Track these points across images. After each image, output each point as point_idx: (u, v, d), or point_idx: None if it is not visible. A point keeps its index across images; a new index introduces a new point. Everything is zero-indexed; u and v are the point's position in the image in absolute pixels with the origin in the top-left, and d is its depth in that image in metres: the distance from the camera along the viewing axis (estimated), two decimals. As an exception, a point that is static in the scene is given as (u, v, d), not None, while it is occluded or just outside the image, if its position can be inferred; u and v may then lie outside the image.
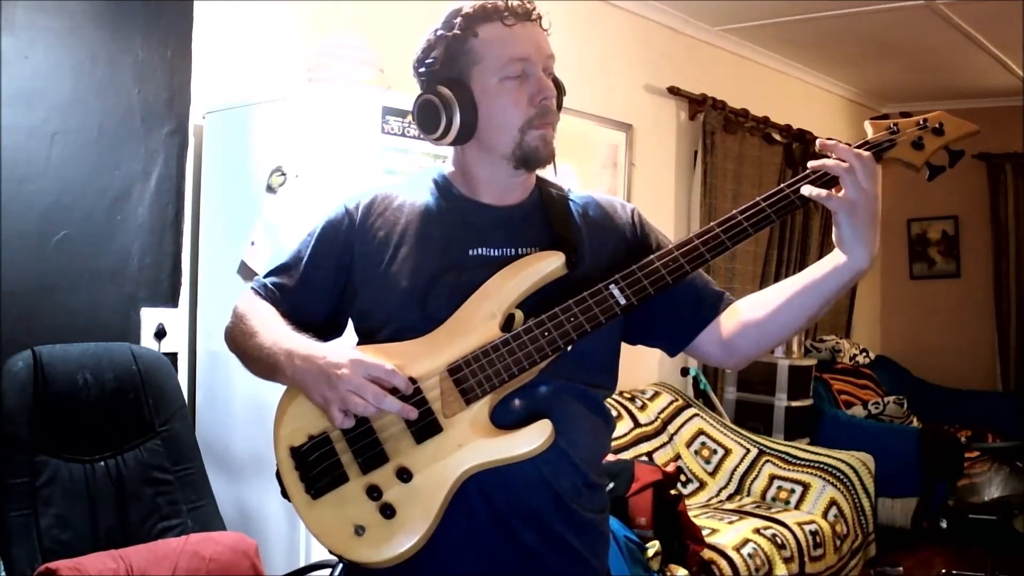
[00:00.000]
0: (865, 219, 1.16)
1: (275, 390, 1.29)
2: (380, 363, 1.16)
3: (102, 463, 2.14)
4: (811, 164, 1.20)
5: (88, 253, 2.40)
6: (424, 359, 1.21)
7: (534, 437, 1.17)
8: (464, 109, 1.26)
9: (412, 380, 1.19)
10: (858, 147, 1.21)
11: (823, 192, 1.17)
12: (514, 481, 1.20)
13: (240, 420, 2.43)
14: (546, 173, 1.36)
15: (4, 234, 2.23)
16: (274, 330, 1.27)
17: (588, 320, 1.20)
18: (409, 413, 1.17)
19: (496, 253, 1.28)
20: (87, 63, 2.40)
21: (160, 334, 2.53)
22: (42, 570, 1.86)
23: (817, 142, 1.22)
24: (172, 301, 2.59)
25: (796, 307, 1.26)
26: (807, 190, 1.18)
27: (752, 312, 1.31)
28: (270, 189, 2.36)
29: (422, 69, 1.31)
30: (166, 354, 2.44)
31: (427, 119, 1.29)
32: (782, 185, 1.22)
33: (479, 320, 1.22)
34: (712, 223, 1.24)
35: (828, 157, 1.18)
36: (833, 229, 1.20)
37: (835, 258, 1.21)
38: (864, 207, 1.15)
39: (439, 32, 1.29)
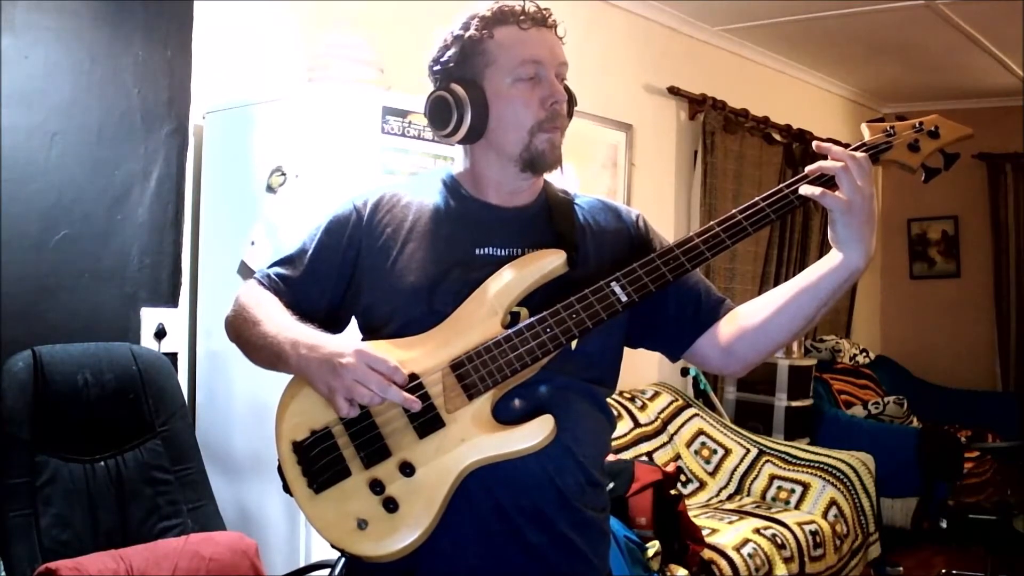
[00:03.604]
0: (861, 218, 1.18)
1: (275, 390, 1.29)
2: (383, 357, 1.17)
3: (102, 463, 2.14)
4: (808, 168, 1.22)
5: (88, 253, 2.40)
6: (427, 354, 1.22)
7: (536, 432, 1.18)
8: (476, 108, 1.27)
9: (414, 376, 1.20)
10: (855, 149, 1.23)
11: (818, 190, 1.19)
12: (517, 478, 1.21)
13: (240, 420, 2.43)
14: (553, 176, 1.37)
15: (4, 234, 2.23)
16: (278, 319, 1.27)
17: (590, 316, 1.21)
18: (412, 404, 1.17)
19: (502, 252, 1.29)
20: (87, 63, 2.39)
21: (160, 334, 2.53)
22: (42, 570, 1.86)
23: (813, 144, 1.23)
24: (172, 301, 2.59)
25: (793, 309, 1.26)
26: (805, 189, 1.20)
27: (750, 317, 1.32)
28: (270, 189, 2.36)
29: (436, 67, 1.33)
30: (166, 354, 2.44)
31: (438, 116, 1.30)
32: (781, 185, 1.24)
33: (481, 317, 1.23)
34: (712, 222, 1.25)
35: (825, 159, 1.20)
36: (829, 229, 1.21)
37: (831, 259, 1.23)
38: (860, 206, 1.17)
39: (455, 33, 1.30)
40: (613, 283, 1.22)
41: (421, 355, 1.21)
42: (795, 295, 1.26)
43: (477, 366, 1.20)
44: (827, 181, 1.20)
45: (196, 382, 2.60)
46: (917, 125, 1.26)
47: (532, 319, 1.22)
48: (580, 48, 3.88)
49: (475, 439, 1.18)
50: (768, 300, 1.30)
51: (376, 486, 1.19)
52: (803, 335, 4.91)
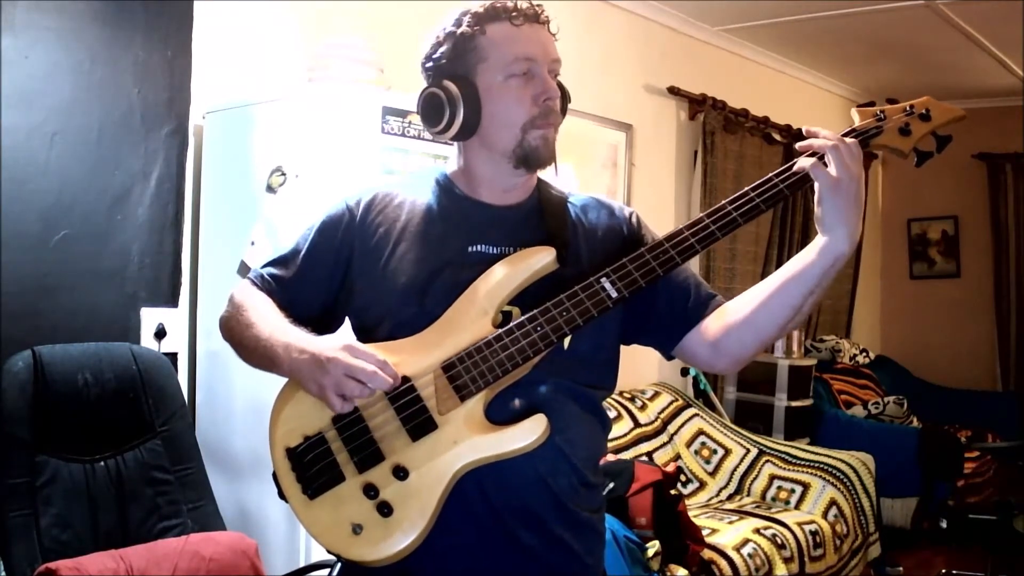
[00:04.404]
0: (848, 198, 1.18)
1: (275, 390, 1.29)
2: (372, 352, 1.17)
3: (102, 463, 2.14)
4: (799, 144, 1.22)
5: (88, 253, 2.40)
6: (417, 356, 1.21)
7: (529, 432, 1.18)
8: (468, 105, 1.26)
9: (406, 378, 1.20)
10: (845, 134, 1.23)
11: (810, 161, 1.19)
12: (511, 480, 1.21)
13: (240, 420, 2.43)
14: (548, 175, 1.37)
15: (4, 234, 2.23)
16: (271, 322, 1.27)
17: (580, 314, 1.21)
18: (397, 379, 1.17)
19: (495, 251, 1.28)
20: (87, 63, 2.40)
21: (160, 334, 2.53)
22: (42, 570, 1.86)
23: (803, 129, 1.23)
24: (172, 301, 2.59)
25: (780, 300, 1.25)
26: (801, 161, 1.20)
27: (737, 312, 1.31)
28: (270, 189, 2.36)
29: (429, 64, 1.32)
30: (166, 354, 2.45)
31: (431, 112, 1.30)
32: (771, 175, 1.23)
33: (472, 317, 1.22)
34: (701, 214, 1.24)
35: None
36: (816, 209, 1.20)
37: (815, 245, 1.22)
38: (847, 185, 1.17)
39: (448, 29, 1.30)
40: (603, 279, 1.22)
41: (412, 357, 1.21)
42: (781, 286, 1.25)
43: (468, 367, 1.20)
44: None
45: (196, 382, 2.60)
46: (908, 108, 1.25)
47: (523, 318, 1.21)
48: (580, 48, 3.90)
49: (468, 441, 1.18)
50: (754, 294, 1.29)
51: (370, 490, 1.18)
52: (793, 329, 4.90)
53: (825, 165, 1.18)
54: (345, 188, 1.53)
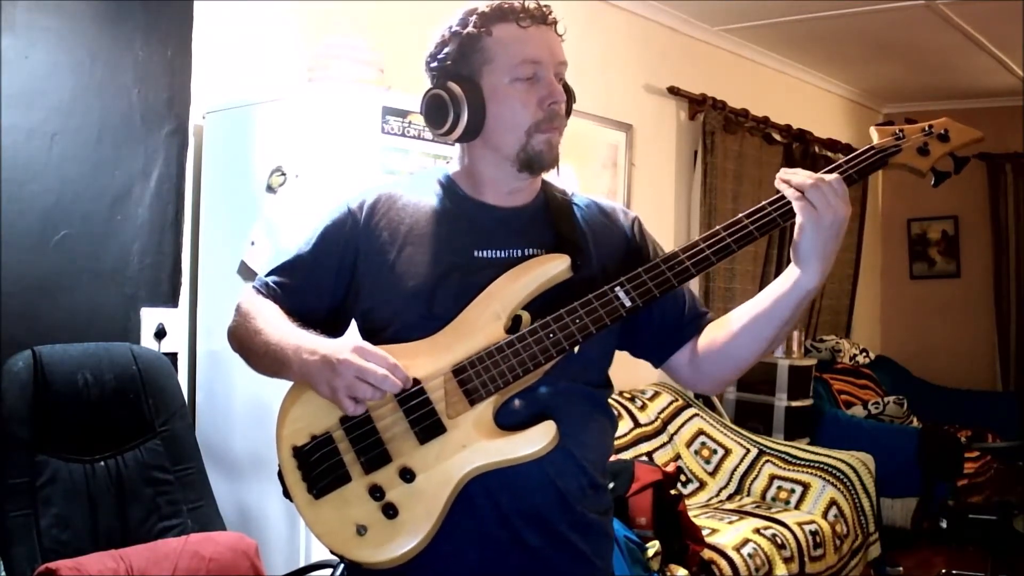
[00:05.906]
0: (829, 232, 1.18)
1: (275, 390, 1.28)
2: (383, 354, 1.16)
3: (102, 463, 2.14)
4: (776, 181, 1.22)
5: (88, 253, 2.39)
6: (428, 359, 1.21)
7: (538, 439, 1.18)
8: (473, 106, 1.25)
9: (416, 380, 1.19)
10: (864, 151, 1.24)
11: (795, 195, 1.18)
12: (519, 481, 1.20)
13: (240, 420, 2.43)
14: (549, 176, 1.37)
15: (4, 234, 2.23)
16: (279, 327, 1.27)
17: (593, 322, 1.21)
18: (407, 382, 1.16)
19: (502, 254, 1.28)
20: (87, 63, 2.39)
21: (160, 334, 2.53)
22: (42, 570, 1.86)
23: (777, 176, 1.23)
24: (172, 301, 2.58)
25: (753, 332, 1.27)
26: (790, 194, 1.19)
27: (716, 338, 1.32)
28: (270, 189, 2.36)
29: (434, 64, 1.31)
30: (166, 354, 2.44)
31: (435, 113, 1.29)
32: (764, 203, 1.24)
33: (484, 321, 1.22)
34: (718, 227, 1.24)
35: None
36: (794, 239, 1.20)
37: (785, 280, 1.23)
38: (830, 223, 1.17)
39: (453, 29, 1.29)
40: (617, 288, 1.22)
41: (423, 360, 1.21)
42: (752, 320, 1.26)
43: (479, 371, 1.19)
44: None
45: (196, 382, 2.60)
46: (927, 128, 1.26)
47: (536, 324, 1.21)
48: (580, 48, 3.88)
49: (477, 445, 1.18)
50: (732, 320, 1.30)
51: (376, 492, 1.18)
52: (802, 332, 4.92)
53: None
54: (345, 188, 1.53)
